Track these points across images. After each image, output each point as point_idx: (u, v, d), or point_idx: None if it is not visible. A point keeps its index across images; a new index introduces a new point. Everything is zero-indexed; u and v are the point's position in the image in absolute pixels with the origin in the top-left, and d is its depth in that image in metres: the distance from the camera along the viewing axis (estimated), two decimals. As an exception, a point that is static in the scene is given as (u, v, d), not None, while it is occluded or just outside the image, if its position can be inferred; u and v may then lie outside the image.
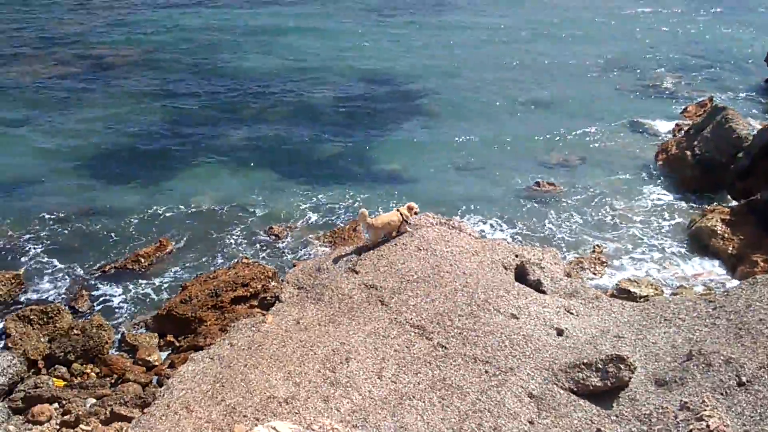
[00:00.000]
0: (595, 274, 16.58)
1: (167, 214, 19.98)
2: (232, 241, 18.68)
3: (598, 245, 18.03)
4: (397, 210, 13.58)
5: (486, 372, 10.19)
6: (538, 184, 21.57)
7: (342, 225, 18.95)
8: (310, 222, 19.72)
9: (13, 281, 16.25)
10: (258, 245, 18.47)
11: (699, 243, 18.00)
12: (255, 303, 14.53)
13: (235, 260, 17.05)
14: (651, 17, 45.22)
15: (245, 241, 18.69)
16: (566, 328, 11.13)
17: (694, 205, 20.17)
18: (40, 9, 45.66)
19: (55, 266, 17.45)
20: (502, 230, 19.21)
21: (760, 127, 20.67)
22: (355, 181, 22.16)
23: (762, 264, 15.91)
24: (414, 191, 21.33)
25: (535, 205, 20.68)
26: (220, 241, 18.63)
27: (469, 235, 14.05)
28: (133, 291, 16.43)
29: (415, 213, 13.83)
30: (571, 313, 11.70)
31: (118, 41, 38.21)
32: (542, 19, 43.65)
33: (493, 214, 20.05)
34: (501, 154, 24.29)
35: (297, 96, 30.20)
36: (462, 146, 24.97)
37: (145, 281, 16.76)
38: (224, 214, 20.11)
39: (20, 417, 11.69)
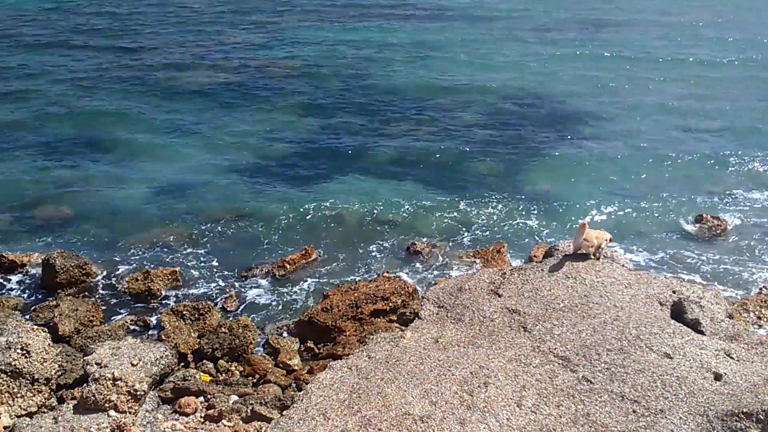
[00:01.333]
0: (760, 317, 15.18)
1: (314, 223, 20.58)
2: (375, 253, 18.90)
3: (765, 287, 16.53)
4: (604, 231, 13.29)
5: (634, 412, 9.57)
6: (701, 217, 20.14)
7: (486, 245, 18.66)
8: (453, 240, 19.57)
9: (170, 277, 17.33)
10: (400, 259, 18.56)
11: None
12: (394, 317, 14.55)
13: (377, 273, 17.23)
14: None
15: (387, 254, 18.86)
16: (725, 373, 10.29)
17: None
18: (208, 24, 49.11)
19: (209, 266, 18.40)
20: (658, 263, 18.09)
21: None
22: (501, 201, 21.79)
23: None
24: (562, 214, 20.71)
25: (697, 238, 19.37)
26: (362, 253, 18.90)
27: (622, 265, 13.31)
28: (277, 295, 16.99)
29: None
30: (732, 358, 10.78)
31: (279, 55, 40.31)
32: (712, 51, 41.03)
33: (649, 244, 19.01)
34: (661, 182, 23.05)
35: (446, 113, 30.28)
36: (618, 171, 24.00)
37: (289, 286, 17.30)
38: (369, 226, 20.43)
39: (168, 406, 12.29)
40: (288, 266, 17.90)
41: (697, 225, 20.02)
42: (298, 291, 17.14)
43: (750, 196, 21.94)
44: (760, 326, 14.66)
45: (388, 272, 17.07)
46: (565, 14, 52.61)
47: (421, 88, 33.81)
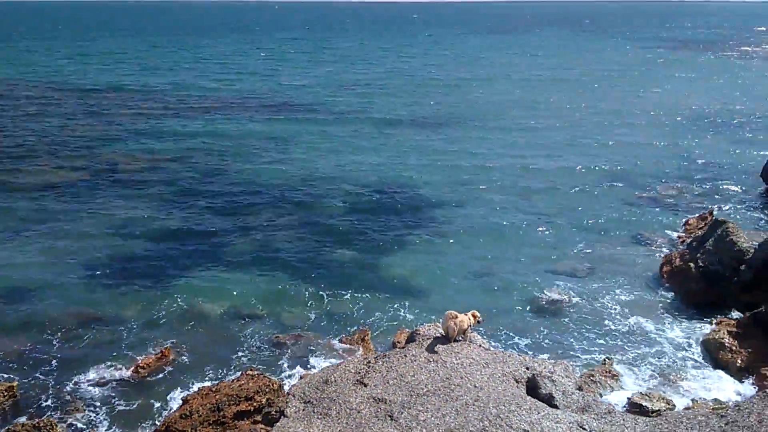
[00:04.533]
0: (606, 387, 16.21)
1: (170, 322, 19.80)
2: (237, 350, 18.38)
3: (608, 357, 17.76)
4: (470, 315, 13.72)
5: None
6: (547, 294, 21.52)
7: (351, 334, 18.74)
8: (317, 330, 19.49)
9: (6, 393, 15.83)
10: (264, 355, 18.16)
11: (708, 356, 17.90)
12: (259, 418, 14.06)
13: (240, 371, 16.71)
14: (647, 132, 46.82)
15: (250, 350, 18.40)
16: (580, 445, 10.82)
17: (701, 318, 20.00)
18: (56, 117, 47.30)
19: (52, 377, 17.04)
20: (512, 341, 18.99)
21: (760, 239, 20.84)
22: (363, 290, 22.12)
23: (772, 378, 15.73)
24: (422, 300, 21.32)
25: (545, 315, 20.56)
26: (224, 351, 18.32)
27: (479, 346, 13.87)
28: (132, 404, 15.94)
29: (478, 322, 13.90)
30: (584, 429, 11.38)
31: (131, 148, 39.50)
32: (548, 141, 44.97)
33: (502, 324, 19.89)
34: (509, 264, 24.41)
35: (305, 205, 30.77)
36: (471, 256, 25.17)
37: (144, 393, 16.31)
38: (230, 322, 19.94)
39: None
40: (142, 370, 16.99)
41: (544, 301, 21.30)
42: (155, 397, 16.18)
43: (587, 274, 23.63)
44: (607, 396, 15.64)
45: (251, 369, 16.62)
46: (412, 108, 55.89)
47: (280, 179, 34.27)
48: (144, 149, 39.78)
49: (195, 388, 16.10)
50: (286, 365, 17.59)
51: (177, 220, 28.32)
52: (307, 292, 21.83)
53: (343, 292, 21.87)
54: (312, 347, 18.41)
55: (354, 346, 17.67)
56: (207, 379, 16.92)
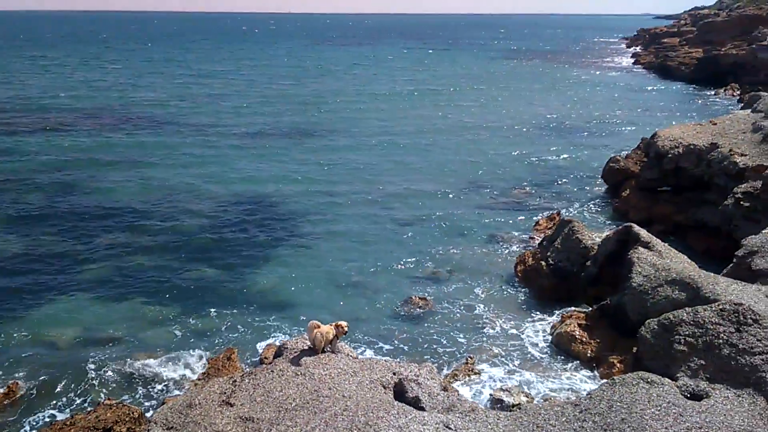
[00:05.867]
0: (469, 384, 16.84)
1: (17, 356, 18.38)
2: (93, 380, 17.34)
3: (470, 356, 18.44)
4: (335, 325, 13.59)
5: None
6: (410, 299, 22.04)
7: (216, 354, 18.23)
8: (181, 353, 18.77)
9: None
10: (122, 383, 17.25)
11: (561, 348, 18.97)
12: (119, 448, 13.42)
13: (97, 402, 15.81)
14: (496, 140, 49.32)
15: (108, 379, 17.41)
16: (447, 446, 11.13)
17: (554, 312, 21.26)
18: None
19: None
20: (378, 347, 19.28)
21: (603, 236, 22.47)
22: (228, 307, 21.66)
23: (618, 365, 16.97)
24: (289, 313, 21.19)
25: (409, 320, 21.03)
26: (79, 381, 17.22)
27: (347, 355, 13.94)
28: (-24, 446, 14.72)
29: (345, 333, 13.82)
30: (450, 429, 11.71)
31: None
32: (404, 151, 46.26)
33: (369, 331, 20.16)
34: (372, 272, 24.78)
35: (163, 222, 29.65)
36: (334, 266, 25.33)
37: (-11, 435, 15.11)
38: (84, 350, 18.79)
39: None
40: (-13, 410, 15.68)
41: (408, 306, 21.82)
42: (1, 438, 15.05)
43: (446, 275, 24.51)
44: (470, 393, 16.27)
45: (109, 399, 15.80)
46: (267, 121, 55.60)
47: (134, 197, 32.93)
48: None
49: (48, 423, 15.11)
50: (146, 391, 16.83)
51: (19, 246, 26.36)
52: (168, 313, 21.04)
53: (207, 311, 21.29)
54: (175, 370, 17.75)
55: (220, 365, 17.21)
56: (61, 411, 15.88)
